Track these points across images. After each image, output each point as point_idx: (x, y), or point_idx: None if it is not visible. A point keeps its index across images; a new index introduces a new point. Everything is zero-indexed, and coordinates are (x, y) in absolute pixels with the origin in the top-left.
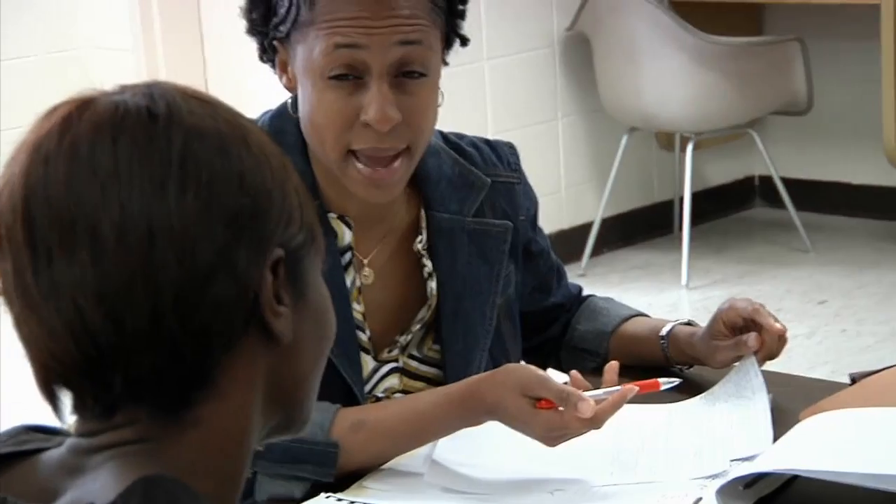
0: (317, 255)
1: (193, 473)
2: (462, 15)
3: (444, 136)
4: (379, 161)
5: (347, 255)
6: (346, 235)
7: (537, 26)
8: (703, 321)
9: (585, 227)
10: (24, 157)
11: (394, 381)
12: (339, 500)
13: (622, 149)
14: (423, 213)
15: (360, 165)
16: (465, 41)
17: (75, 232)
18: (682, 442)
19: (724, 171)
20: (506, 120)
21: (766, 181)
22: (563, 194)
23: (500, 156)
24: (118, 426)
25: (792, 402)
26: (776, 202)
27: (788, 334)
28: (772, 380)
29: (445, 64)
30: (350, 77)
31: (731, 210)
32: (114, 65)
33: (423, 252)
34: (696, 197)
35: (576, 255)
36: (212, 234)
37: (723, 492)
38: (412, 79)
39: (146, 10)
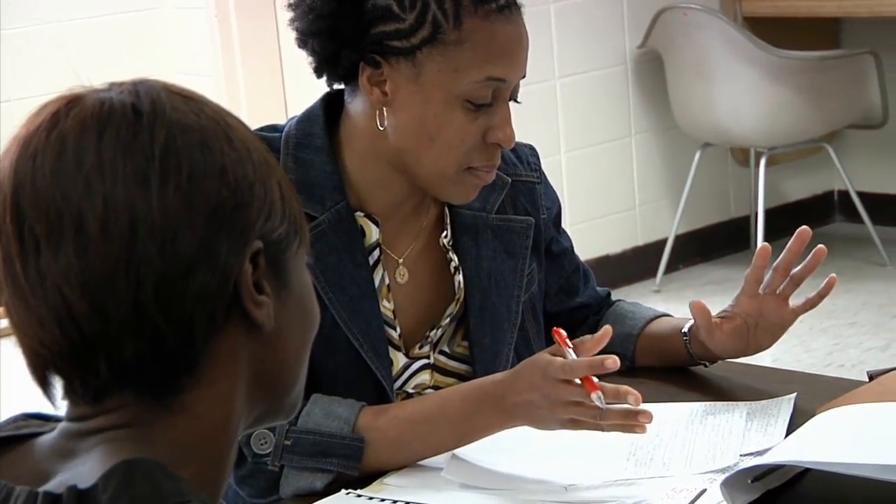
0: (301, 248)
1: (179, 458)
2: None
3: None
4: (490, 172)
5: (375, 253)
6: (374, 233)
7: (609, 44)
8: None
9: (660, 244)
10: (14, 151)
11: (425, 377)
12: (359, 495)
13: (695, 165)
14: (447, 210)
15: (478, 176)
16: None
17: (61, 224)
18: (697, 438)
19: (802, 187)
20: (578, 138)
21: (845, 196)
22: (637, 211)
23: (521, 156)
24: (107, 411)
25: (813, 401)
26: (855, 217)
27: (863, 346)
28: (796, 379)
29: None
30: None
31: (809, 225)
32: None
33: (449, 247)
34: (774, 212)
35: (651, 272)
36: (193, 226)
37: (729, 484)
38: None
39: (226, 36)
